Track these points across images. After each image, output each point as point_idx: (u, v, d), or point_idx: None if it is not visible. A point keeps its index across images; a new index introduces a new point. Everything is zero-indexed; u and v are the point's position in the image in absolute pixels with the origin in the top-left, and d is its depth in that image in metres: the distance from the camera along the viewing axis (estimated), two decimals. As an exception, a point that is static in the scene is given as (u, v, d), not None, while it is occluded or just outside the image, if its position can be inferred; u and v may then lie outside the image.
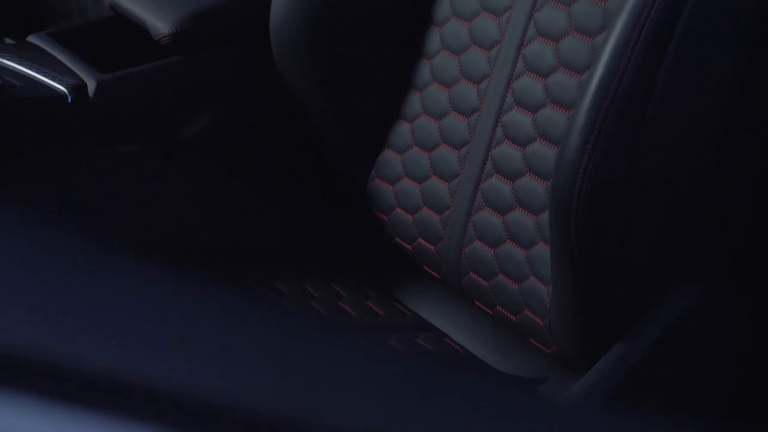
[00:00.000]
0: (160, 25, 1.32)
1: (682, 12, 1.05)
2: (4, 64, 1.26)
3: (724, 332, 1.21)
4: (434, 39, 1.31)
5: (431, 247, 1.31)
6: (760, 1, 1.10)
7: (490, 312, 1.26)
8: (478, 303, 1.27)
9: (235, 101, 1.38)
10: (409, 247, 1.34)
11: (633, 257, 1.12)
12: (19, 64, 1.26)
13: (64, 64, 1.28)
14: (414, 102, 1.33)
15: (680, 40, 1.05)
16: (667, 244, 1.15)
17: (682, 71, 1.06)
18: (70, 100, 1.24)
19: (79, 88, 1.25)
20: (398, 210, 1.34)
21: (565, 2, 1.18)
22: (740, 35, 1.10)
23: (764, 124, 1.17)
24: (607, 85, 1.05)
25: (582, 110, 1.06)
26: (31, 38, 1.32)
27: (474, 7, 1.27)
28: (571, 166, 1.06)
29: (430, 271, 1.32)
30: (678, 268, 1.17)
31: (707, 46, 1.08)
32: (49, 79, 1.25)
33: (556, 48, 1.19)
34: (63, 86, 1.25)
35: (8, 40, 1.33)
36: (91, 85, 1.26)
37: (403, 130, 1.33)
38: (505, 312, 1.23)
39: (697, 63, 1.08)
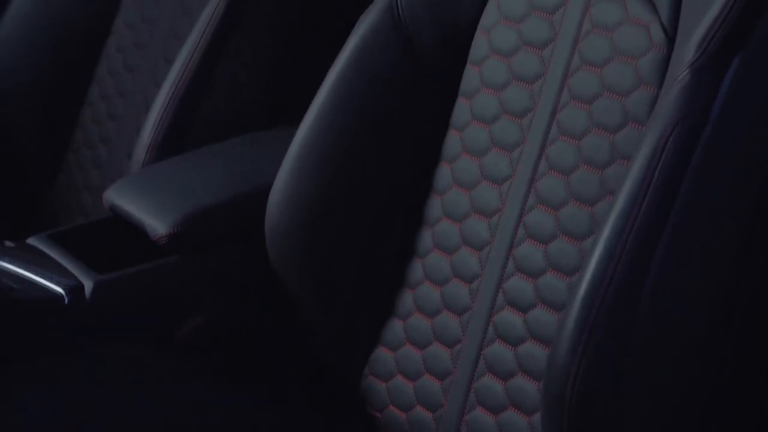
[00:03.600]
0: (157, 226, 1.35)
1: (669, 216, 1.07)
2: (4, 267, 1.28)
3: None
4: (426, 238, 1.34)
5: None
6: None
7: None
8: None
9: (230, 302, 1.39)
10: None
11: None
12: (18, 267, 1.29)
13: (62, 266, 1.30)
14: (407, 301, 1.34)
15: (668, 242, 1.07)
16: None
17: (672, 275, 1.08)
18: (67, 302, 1.26)
19: (76, 289, 1.27)
20: (391, 407, 1.34)
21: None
22: (732, 235, 1.13)
23: None
24: (596, 288, 1.07)
25: (572, 314, 1.08)
26: (31, 240, 1.35)
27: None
28: (562, 369, 1.07)
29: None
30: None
31: (699, 247, 1.10)
32: (46, 280, 1.27)
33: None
34: (60, 288, 1.27)
35: (8, 243, 1.36)
36: (88, 286, 1.28)
37: (396, 328, 1.35)
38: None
39: (692, 259, 1.10)
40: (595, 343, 1.06)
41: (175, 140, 1.53)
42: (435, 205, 1.33)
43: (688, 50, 1.09)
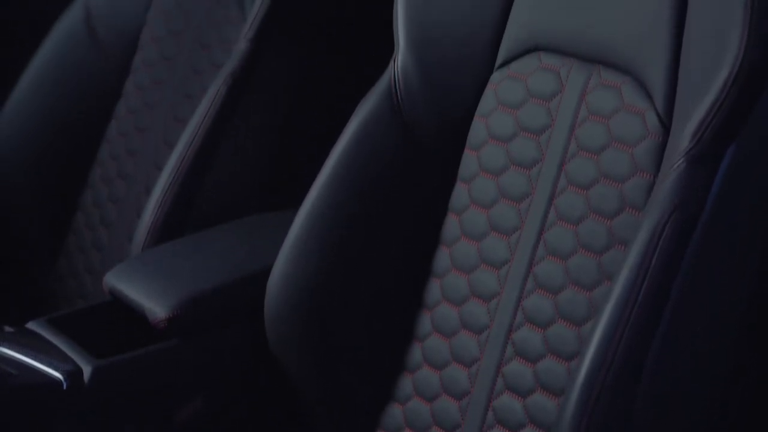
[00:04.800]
0: (156, 310, 1.35)
1: (666, 302, 1.08)
2: (3, 353, 1.29)
3: None
4: (425, 321, 1.34)
5: None
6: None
7: None
8: None
9: (229, 385, 1.39)
10: None
11: None
12: (17, 352, 1.29)
13: (61, 350, 1.30)
14: (406, 385, 1.34)
15: (666, 328, 1.07)
16: None
17: (671, 360, 1.08)
18: (65, 387, 1.26)
19: (74, 374, 1.27)
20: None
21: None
22: (731, 319, 1.13)
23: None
24: (595, 374, 1.07)
25: (571, 399, 1.07)
26: (30, 325, 1.35)
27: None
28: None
29: None
30: None
31: (698, 331, 1.10)
32: (45, 366, 1.27)
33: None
34: (59, 373, 1.27)
35: (8, 328, 1.36)
36: (86, 371, 1.28)
37: (395, 411, 1.34)
38: None
39: (691, 344, 1.10)
40: (595, 429, 1.06)
41: (175, 223, 1.54)
42: (434, 289, 1.34)
43: (683, 139, 1.10)
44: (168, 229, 1.53)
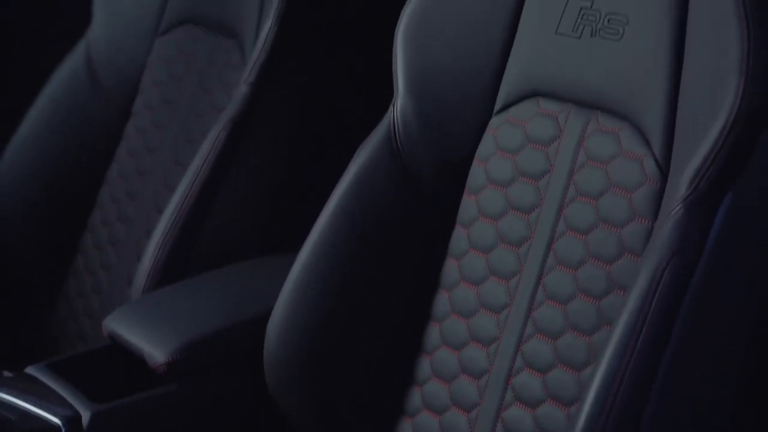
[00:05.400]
0: (156, 354, 1.35)
1: (666, 347, 1.08)
2: (2, 398, 1.28)
3: None
4: (425, 365, 1.34)
5: None
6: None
7: None
8: None
9: (230, 429, 1.39)
10: None
11: None
12: (16, 397, 1.28)
13: (60, 396, 1.30)
14: (406, 429, 1.34)
15: (666, 373, 1.07)
16: None
17: (671, 405, 1.08)
18: (63, 433, 1.26)
19: (72, 420, 1.27)
20: None
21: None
22: (731, 364, 1.13)
23: None
24: (595, 419, 1.07)
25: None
26: (29, 369, 1.35)
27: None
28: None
29: None
30: None
31: (698, 377, 1.10)
32: (44, 411, 1.27)
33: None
34: (57, 418, 1.27)
35: (7, 373, 1.36)
36: (85, 417, 1.28)
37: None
38: None
39: (691, 388, 1.10)
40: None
41: (175, 267, 1.54)
42: (433, 333, 1.34)
43: (681, 185, 1.10)
44: (168, 272, 1.53)
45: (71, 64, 1.81)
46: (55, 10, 2.01)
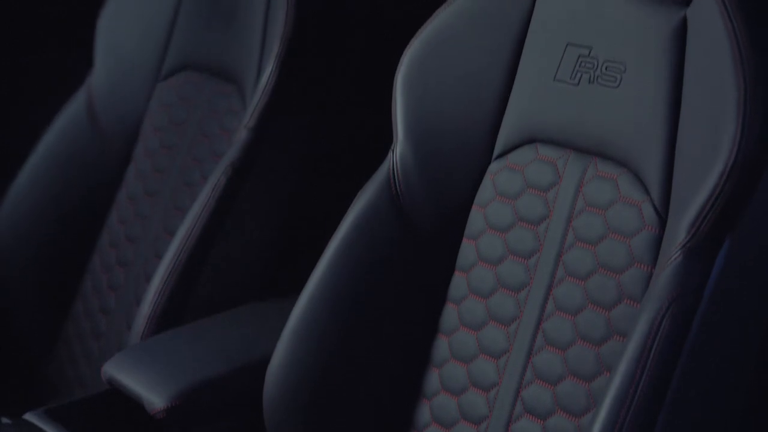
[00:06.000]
0: (155, 400, 1.34)
1: (666, 394, 1.07)
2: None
3: None
4: (425, 411, 1.33)
5: None
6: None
7: None
8: None
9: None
10: None
11: None
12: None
13: (58, 442, 1.30)
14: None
15: (666, 419, 1.07)
16: None
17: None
18: (62, 479, 1.25)
19: (72, 466, 1.27)
20: None
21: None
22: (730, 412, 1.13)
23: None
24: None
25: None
26: (27, 416, 1.34)
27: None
28: None
29: None
30: None
31: (699, 421, 1.10)
32: (42, 458, 1.26)
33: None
34: (56, 465, 1.26)
35: (5, 419, 1.35)
36: (84, 463, 1.28)
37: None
38: None
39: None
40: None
41: (174, 312, 1.54)
42: (433, 378, 1.33)
43: (679, 232, 1.11)
44: (167, 317, 1.53)
45: (72, 110, 1.82)
46: (55, 56, 2.02)
